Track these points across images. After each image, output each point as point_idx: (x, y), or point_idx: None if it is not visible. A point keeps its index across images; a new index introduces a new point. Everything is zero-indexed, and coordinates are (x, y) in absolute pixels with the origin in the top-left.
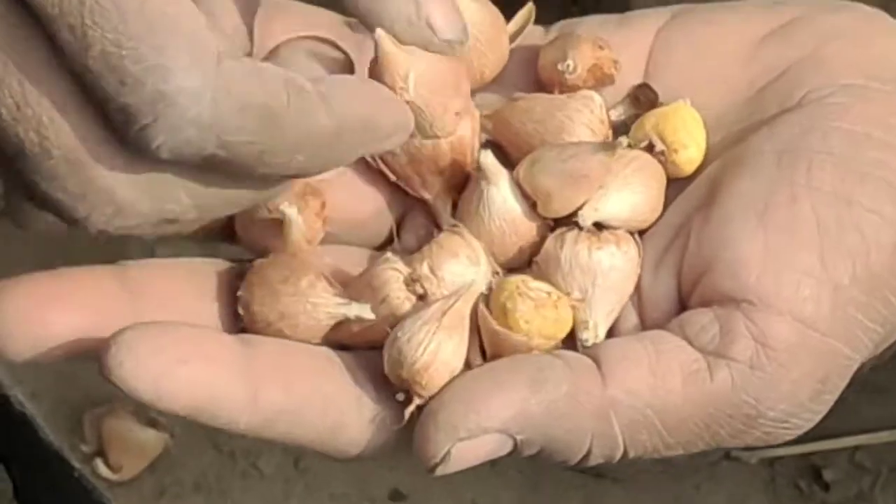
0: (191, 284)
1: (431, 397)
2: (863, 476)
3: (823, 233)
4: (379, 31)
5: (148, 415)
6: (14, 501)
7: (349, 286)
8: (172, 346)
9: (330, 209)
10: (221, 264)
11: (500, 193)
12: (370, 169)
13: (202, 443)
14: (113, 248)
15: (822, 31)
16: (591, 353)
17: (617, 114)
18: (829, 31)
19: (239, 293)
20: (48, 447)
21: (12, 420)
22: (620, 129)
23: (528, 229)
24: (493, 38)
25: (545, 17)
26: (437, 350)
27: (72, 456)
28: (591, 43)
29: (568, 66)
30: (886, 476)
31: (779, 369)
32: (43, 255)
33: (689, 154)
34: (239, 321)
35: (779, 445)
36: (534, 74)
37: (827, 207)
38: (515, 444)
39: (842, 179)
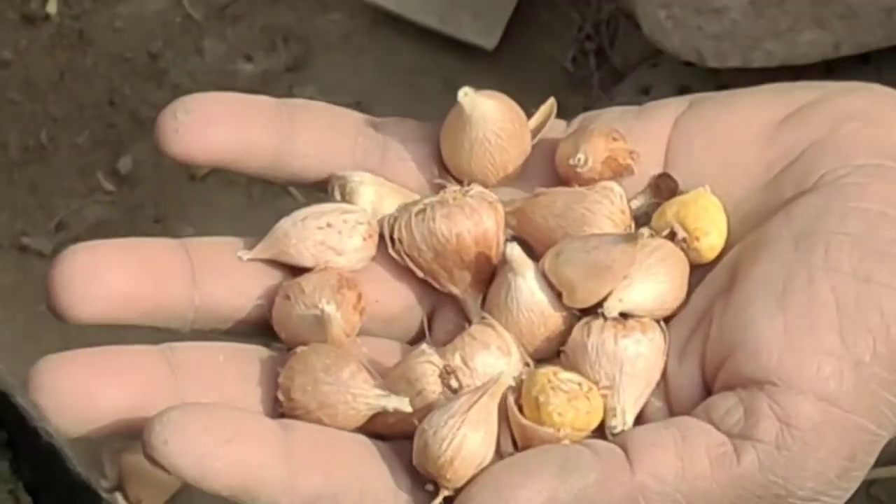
0: (233, 368)
1: (460, 489)
2: None
3: (842, 312)
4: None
5: None
6: (13, 466)
7: (386, 377)
8: (217, 427)
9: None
10: (264, 351)
11: (527, 285)
12: (399, 265)
13: None
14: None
15: (836, 113)
16: (619, 440)
17: (638, 204)
18: (843, 113)
19: (280, 379)
20: (76, 478)
21: (41, 452)
22: (642, 218)
23: (555, 320)
24: (514, 135)
25: (559, 52)
26: (461, 443)
27: (100, 487)
28: (605, 136)
29: (579, 159)
30: None
31: (805, 448)
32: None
33: (711, 241)
34: (278, 407)
35: None
36: (555, 169)
37: (845, 287)
38: None
39: (860, 259)
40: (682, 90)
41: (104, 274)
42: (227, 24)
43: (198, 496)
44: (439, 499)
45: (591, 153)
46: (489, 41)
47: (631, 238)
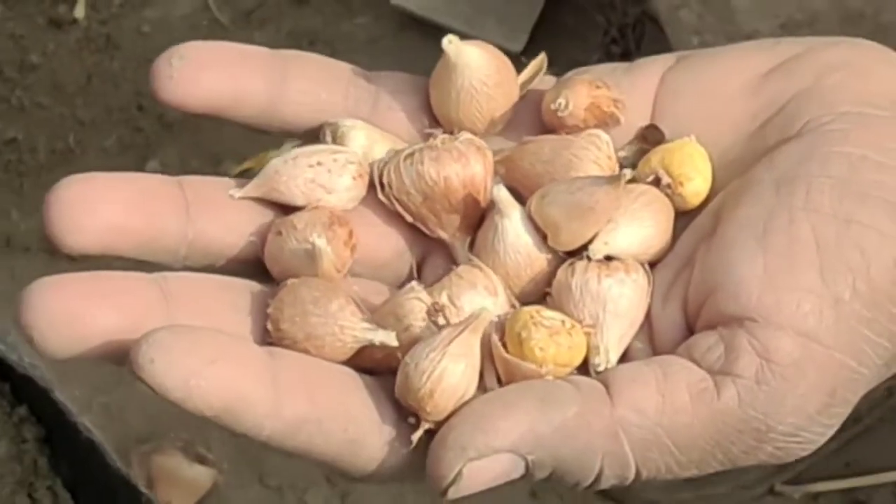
0: (225, 298)
1: (442, 421)
2: None
3: (822, 251)
4: (447, 38)
5: (196, 451)
6: (43, 446)
7: (374, 313)
8: (203, 348)
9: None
10: (255, 285)
11: (514, 227)
12: (389, 211)
13: (250, 478)
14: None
15: (821, 64)
16: (602, 378)
17: (625, 153)
18: (828, 63)
19: (269, 310)
20: (115, 474)
21: (80, 448)
22: (630, 168)
23: (541, 262)
24: (500, 83)
25: (585, 56)
26: (441, 376)
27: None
28: (588, 83)
29: (560, 104)
30: None
31: (784, 383)
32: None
33: (695, 186)
34: (268, 337)
35: (822, 480)
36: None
37: (825, 227)
38: (527, 466)
39: (840, 200)
40: None
41: (98, 204)
42: (254, 28)
43: (227, 496)
44: (420, 431)
45: (573, 98)
46: (515, 45)
47: (614, 180)
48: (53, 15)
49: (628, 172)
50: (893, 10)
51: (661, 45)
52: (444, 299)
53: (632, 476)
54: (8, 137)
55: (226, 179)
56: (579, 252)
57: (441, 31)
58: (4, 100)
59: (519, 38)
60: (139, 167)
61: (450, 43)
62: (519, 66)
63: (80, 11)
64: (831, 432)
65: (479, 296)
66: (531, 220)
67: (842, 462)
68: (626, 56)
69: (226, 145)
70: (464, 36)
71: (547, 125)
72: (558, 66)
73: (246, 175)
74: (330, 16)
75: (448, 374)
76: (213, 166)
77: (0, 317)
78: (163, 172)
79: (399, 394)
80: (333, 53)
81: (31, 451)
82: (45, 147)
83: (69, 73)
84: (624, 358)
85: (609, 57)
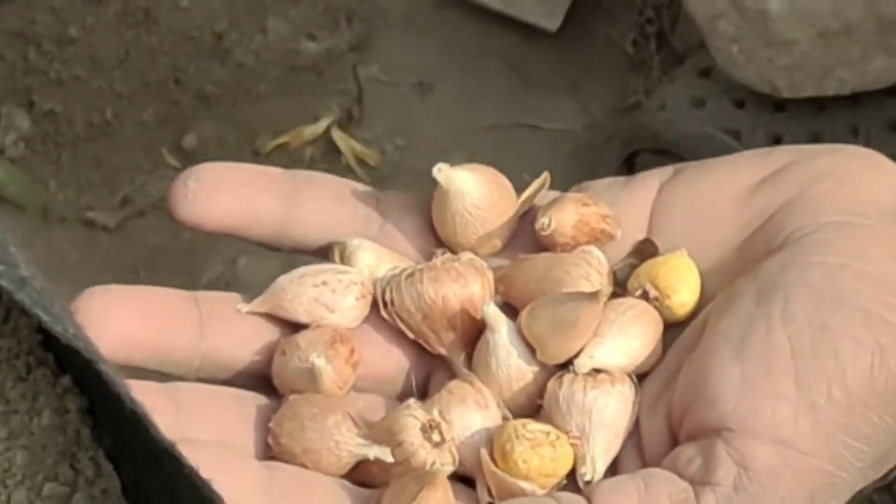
0: (233, 410)
1: None
2: None
3: (798, 358)
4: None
5: None
6: (122, 499)
7: (371, 429)
8: (203, 465)
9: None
10: (262, 399)
11: (503, 342)
12: (393, 329)
13: None
14: (192, 263)
15: (808, 174)
16: (586, 491)
17: (621, 267)
18: (815, 173)
19: (271, 424)
20: (159, 445)
21: (123, 419)
22: (626, 283)
23: (532, 375)
24: (494, 204)
25: (620, 35)
26: None
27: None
28: (575, 201)
29: (543, 223)
30: None
31: (762, 490)
32: (124, 267)
33: (682, 298)
34: (269, 451)
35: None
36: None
37: (801, 335)
38: None
39: (816, 309)
40: None
41: (115, 317)
42: (291, 4)
43: None
44: None
45: (557, 217)
46: (552, 23)
47: (593, 296)
48: None
49: (607, 288)
50: None
51: (695, 25)
52: (434, 415)
53: None
54: (46, 109)
55: (237, 295)
56: (568, 365)
57: (478, 9)
58: (43, 72)
59: (555, 17)
60: (176, 140)
61: (440, 171)
62: (554, 47)
63: None
64: None
65: (469, 410)
66: (521, 335)
67: None
68: (661, 35)
69: (262, 120)
70: (500, 15)
71: (542, 243)
72: (595, 45)
73: (280, 150)
74: None
75: None
76: (249, 140)
77: (43, 289)
78: (199, 146)
79: None
80: (371, 30)
81: (73, 421)
82: (82, 120)
83: (107, 46)
84: (613, 469)
85: (644, 37)
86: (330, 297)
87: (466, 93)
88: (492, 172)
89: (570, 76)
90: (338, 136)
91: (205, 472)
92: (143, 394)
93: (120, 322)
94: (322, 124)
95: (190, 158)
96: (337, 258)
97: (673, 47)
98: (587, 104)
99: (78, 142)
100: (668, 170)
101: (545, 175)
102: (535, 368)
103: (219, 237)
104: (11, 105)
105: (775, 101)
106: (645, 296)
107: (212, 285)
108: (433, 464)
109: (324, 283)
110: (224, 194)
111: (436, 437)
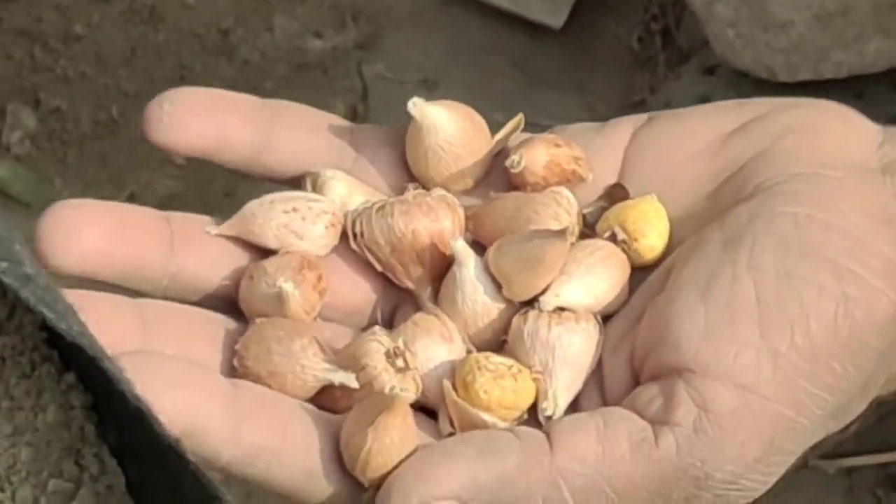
0: (200, 330)
1: (384, 476)
2: None
3: (762, 306)
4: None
5: None
6: (126, 495)
7: (337, 355)
8: (167, 373)
9: (327, 295)
10: (231, 322)
11: (470, 277)
12: (362, 261)
13: None
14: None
15: (779, 126)
16: (545, 428)
17: (591, 210)
18: (786, 125)
19: (236, 346)
20: (163, 441)
21: (129, 415)
22: (595, 225)
23: (497, 311)
24: (468, 143)
25: (625, 32)
26: (368, 456)
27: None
28: (547, 142)
29: (513, 160)
30: None
31: (722, 432)
32: None
33: (650, 241)
34: (234, 373)
35: (857, 454)
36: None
37: (766, 283)
38: None
39: (782, 258)
40: (744, 71)
41: (84, 229)
42: (298, 2)
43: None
44: (367, 494)
45: (528, 156)
46: (556, 20)
47: (561, 234)
48: None
49: (574, 227)
50: None
51: (700, 23)
52: (400, 344)
53: None
54: (52, 107)
55: (208, 218)
56: (533, 302)
57: (483, 7)
58: (49, 70)
59: (560, 14)
60: None
61: (414, 105)
62: (559, 44)
63: None
64: (773, 480)
65: (433, 343)
66: (488, 271)
67: (878, 438)
68: (666, 32)
69: None
70: (505, 13)
71: (514, 182)
72: (600, 42)
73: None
74: None
75: (375, 451)
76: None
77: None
78: None
79: (345, 461)
80: (377, 29)
81: (78, 418)
82: (88, 117)
83: (113, 44)
84: (574, 407)
85: (649, 34)
86: (300, 225)
87: (471, 90)
88: (466, 110)
89: (575, 73)
90: None
91: (172, 386)
92: (110, 308)
93: (91, 236)
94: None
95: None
96: (309, 187)
97: (678, 45)
98: (592, 102)
99: (84, 140)
100: (641, 117)
101: (520, 116)
102: (501, 305)
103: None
104: (17, 103)
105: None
106: (613, 238)
107: None
108: (393, 388)
109: (294, 209)
110: (198, 118)
111: (399, 363)
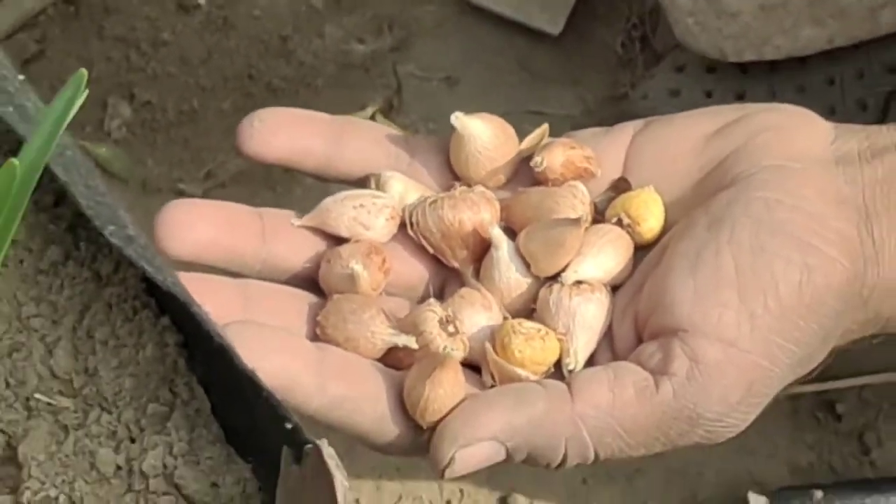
0: (290, 304)
1: (439, 420)
2: (868, 409)
3: (740, 275)
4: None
5: None
6: (211, 417)
7: (400, 323)
8: (266, 340)
9: (390, 274)
10: (313, 297)
11: (505, 258)
12: (417, 246)
13: None
14: None
15: (753, 127)
16: (567, 380)
17: (601, 199)
18: (758, 126)
19: (318, 318)
20: (243, 373)
21: (212, 351)
22: (605, 212)
23: (528, 285)
24: (500, 147)
25: (611, 38)
26: (427, 402)
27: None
28: (563, 145)
29: (536, 161)
30: (888, 410)
31: (709, 379)
32: None
33: (649, 225)
34: (317, 340)
35: (801, 384)
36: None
37: (744, 256)
38: (507, 451)
39: (756, 235)
40: (709, 69)
41: (196, 225)
42: (344, 14)
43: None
44: (425, 435)
45: (548, 158)
46: (555, 28)
47: (577, 221)
48: (181, 1)
49: (586, 215)
50: None
51: (671, 32)
52: (449, 313)
53: (591, 457)
54: (144, 100)
55: (293, 212)
56: (557, 277)
57: (494, 17)
58: (141, 70)
59: (558, 23)
60: None
61: (457, 119)
62: (557, 48)
63: None
64: (752, 417)
65: (476, 312)
66: (519, 252)
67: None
68: (644, 38)
69: (319, 108)
70: (512, 22)
71: (538, 179)
72: (590, 46)
73: None
74: (406, 3)
75: (431, 399)
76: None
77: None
78: None
79: (408, 408)
80: (408, 35)
81: (171, 353)
82: (173, 108)
83: (193, 48)
84: (591, 362)
85: (630, 40)
86: (366, 217)
87: (485, 85)
88: (499, 121)
89: (570, 72)
90: (381, 121)
91: (269, 349)
92: (218, 288)
93: (200, 229)
94: (368, 111)
95: None
96: (373, 186)
97: (654, 48)
98: (584, 95)
99: (170, 127)
100: (639, 122)
101: (545, 126)
102: (530, 280)
103: (291, 200)
104: (116, 97)
105: (737, 93)
106: (619, 223)
107: None
108: (445, 348)
109: (361, 205)
110: (281, 133)
111: (450, 328)
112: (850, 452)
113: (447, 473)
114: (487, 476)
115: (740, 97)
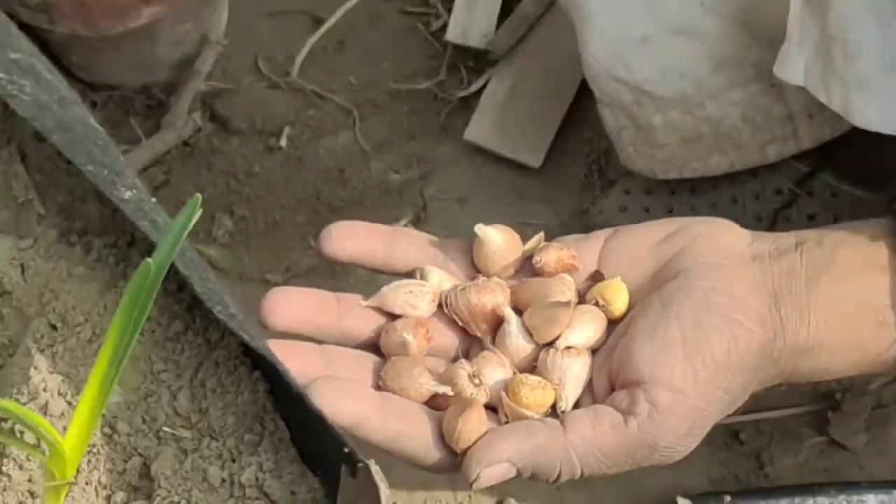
0: (360, 363)
1: (467, 448)
2: (763, 436)
3: (685, 342)
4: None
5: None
6: (290, 443)
7: (439, 376)
8: (341, 388)
9: (431, 341)
10: (377, 359)
11: (514, 330)
12: (450, 319)
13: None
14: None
15: (691, 234)
16: (561, 418)
17: (583, 287)
18: (695, 234)
19: (381, 373)
20: (312, 411)
21: (292, 396)
22: (585, 295)
23: (531, 349)
24: (511, 250)
25: (577, 169)
26: (459, 434)
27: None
28: (555, 248)
29: (537, 261)
30: (777, 437)
31: (664, 418)
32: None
33: (618, 305)
34: (379, 389)
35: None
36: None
37: (687, 328)
38: (518, 470)
39: (695, 313)
40: (647, 192)
41: (292, 305)
42: (384, 152)
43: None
44: (459, 457)
45: (545, 256)
46: (536, 162)
47: (567, 304)
48: (267, 144)
49: (574, 301)
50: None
51: (621, 166)
52: (475, 370)
53: (578, 474)
54: (241, 215)
55: (360, 296)
56: (552, 344)
57: (493, 154)
58: (238, 193)
59: (539, 158)
60: (316, 233)
61: (480, 228)
62: (539, 176)
63: (283, 142)
64: (694, 445)
65: (494, 369)
66: (525, 326)
67: None
68: (601, 170)
69: (367, 220)
70: (505, 158)
71: (537, 272)
72: (562, 175)
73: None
74: (430, 144)
75: (463, 432)
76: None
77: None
78: None
79: (445, 437)
80: (431, 168)
81: (262, 398)
82: (262, 221)
83: (276, 177)
84: (577, 405)
85: (591, 171)
86: (414, 300)
87: (487, 204)
88: (508, 230)
89: (548, 194)
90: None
91: (345, 396)
92: (308, 351)
93: (295, 308)
94: (402, 223)
95: None
96: (418, 277)
97: (608, 177)
98: (558, 211)
99: (260, 234)
100: (609, 230)
101: (541, 234)
102: (532, 345)
103: (346, 286)
104: (221, 212)
105: (668, 208)
106: (597, 304)
107: None
108: (472, 395)
109: (411, 291)
110: (350, 239)
111: (476, 381)
112: (750, 468)
113: (474, 486)
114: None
115: (670, 211)
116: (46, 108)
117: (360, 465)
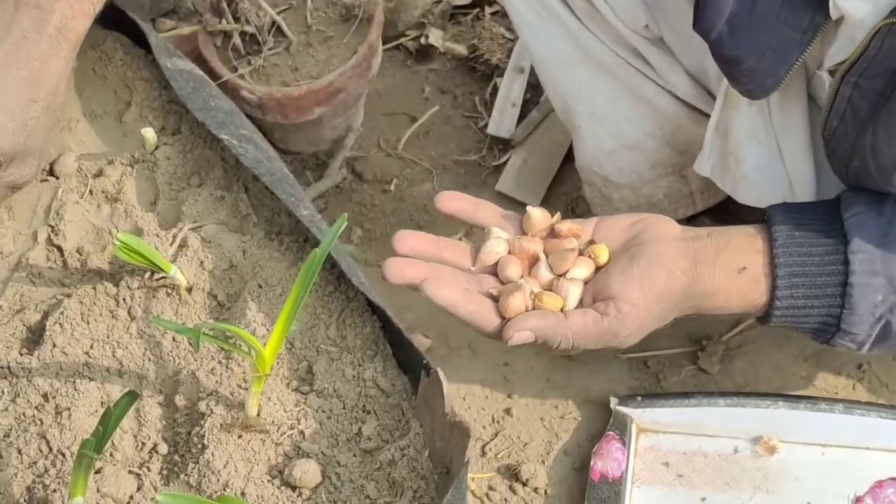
0: (460, 250)
1: (510, 319)
2: (660, 363)
3: (640, 278)
4: (528, 207)
5: (422, 332)
6: (391, 356)
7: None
8: (442, 279)
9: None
10: (472, 246)
11: (543, 266)
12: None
13: (459, 345)
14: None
15: (648, 222)
16: (565, 314)
17: (582, 247)
18: (650, 222)
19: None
20: (401, 334)
21: (393, 327)
22: (584, 251)
23: (551, 277)
24: (545, 223)
25: (558, 207)
26: (507, 307)
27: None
28: (568, 222)
29: (558, 228)
30: (668, 365)
31: (624, 318)
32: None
33: (603, 259)
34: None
35: (632, 352)
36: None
37: (642, 271)
38: (535, 338)
39: (647, 263)
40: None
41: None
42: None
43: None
44: (506, 321)
45: (562, 227)
46: (536, 203)
47: (572, 251)
48: (383, 188)
49: (576, 252)
50: None
51: (584, 207)
52: (523, 272)
53: (570, 346)
54: (367, 228)
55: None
56: (563, 275)
57: (511, 198)
58: (366, 216)
59: (538, 200)
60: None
61: (529, 207)
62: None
63: (392, 187)
64: (639, 339)
65: (531, 286)
66: (549, 263)
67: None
68: (573, 208)
69: (446, 233)
70: (516, 200)
71: (558, 235)
72: (551, 211)
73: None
74: (476, 192)
75: (511, 307)
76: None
77: (370, 287)
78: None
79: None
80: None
81: (377, 331)
82: (379, 232)
83: (388, 208)
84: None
85: (566, 209)
86: (502, 243)
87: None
88: (544, 210)
89: None
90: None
91: (444, 289)
92: (419, 264)
93: (411, 241)
94: (457, 237)
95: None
96: (487, 233)
97: (577, 214)
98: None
99: (377, 240)
100: (600, 217)
101: (559, 214)
102: (551, 275)
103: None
104: (356, 226)
105: None
106: (589, 256)
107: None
108: (518, 284)
109: (497, 237)
110: (454, 200)
111: (521, 280)
112: (651, 382)
113: (509, 343)
114: (492, 385)
115: None
116: (260, 161)
117: (432, 370)
